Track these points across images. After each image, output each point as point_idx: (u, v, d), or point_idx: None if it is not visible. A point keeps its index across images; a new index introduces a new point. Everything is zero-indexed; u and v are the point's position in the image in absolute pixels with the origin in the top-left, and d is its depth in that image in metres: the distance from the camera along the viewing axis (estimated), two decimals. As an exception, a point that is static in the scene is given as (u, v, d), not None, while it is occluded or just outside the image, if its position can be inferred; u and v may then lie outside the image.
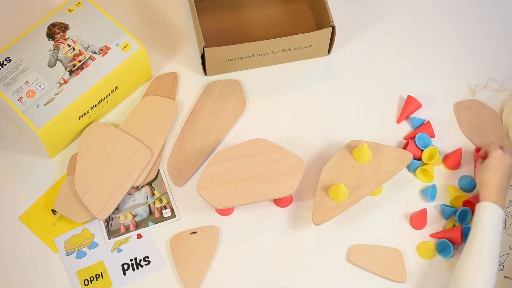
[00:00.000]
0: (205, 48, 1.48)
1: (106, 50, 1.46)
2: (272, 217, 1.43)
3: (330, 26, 1.50)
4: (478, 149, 1.45)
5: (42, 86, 1.42)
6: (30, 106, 1.40)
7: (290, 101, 1.55)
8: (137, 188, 1.45)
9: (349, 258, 1.39)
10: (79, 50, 1.45)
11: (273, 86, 1.57)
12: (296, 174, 1.37)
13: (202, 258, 1.37)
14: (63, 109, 1.40)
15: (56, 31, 1.47)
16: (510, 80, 1.59)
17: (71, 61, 1.44)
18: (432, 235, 1.41)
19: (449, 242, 1.38)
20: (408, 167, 1.48)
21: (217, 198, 1.37)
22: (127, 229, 1.41)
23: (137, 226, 1.42)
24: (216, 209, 1.41)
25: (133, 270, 1.38)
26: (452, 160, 1.48)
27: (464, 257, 1.27)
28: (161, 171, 1.47)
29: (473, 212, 1.42)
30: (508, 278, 1.38)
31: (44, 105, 1.40)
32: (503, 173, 1.35)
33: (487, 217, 1.30)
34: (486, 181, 1.35)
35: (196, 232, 1.40)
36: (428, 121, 1.51)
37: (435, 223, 1.43)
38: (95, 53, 1.45)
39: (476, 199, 1.42)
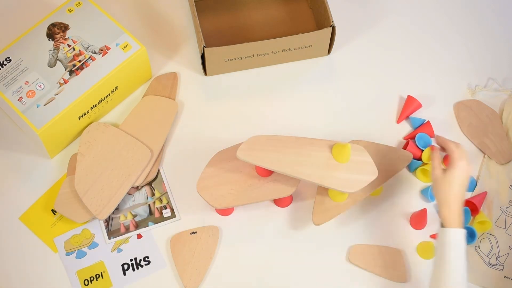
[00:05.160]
0: (205, 48, 1.48)
1: (106, 50, 1.46)
2: (272, 217, 1.43)
3: (330, 26, 1.50)
4: (433, 148, 1.33)
5: (42, 86, 1.42)
6: (30, 106, 1.40)
7: (290, 101, 1.55)
8: (137, 188, 1.45)
9: (349, 258, 1.39)
10: (79, 50, 1.45)
11: (273, 86, 1.57)
12: (296, 174, 1.37)
13: (202, 258, 1.37)
14: (63, 109, 1.40)
15: (56, 31, 1.47)
16: (510, 80, 1.59)
17: (71, 61, 1.44)
18: (432, 236, 1.41)
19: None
20: (408, 167, 1.48)
21: (217, 198, 1.37)
22: (127, 229, 1.41)
23: (137, 226, 1.42)
24: (216, 209, 1.41)
25: (133, 270, 1.38)
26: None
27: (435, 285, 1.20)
28: (161, 171, 1.47)
29: (472, 212, 1.43)
30: (508, 278, 1.38)
31: (44, 105, 1.40)
32: (464, 185, 1.24)
33: (455, 247, 1.20)
34: (448, 201, 1.22)
35: (196, 232, 1.40)
36: (428, 121, 1.51)
37: (435, 223, 1.43)
38: (95, 53, 1.45)
39: (476, 199, 1.43)
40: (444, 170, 1.25)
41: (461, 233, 1.21)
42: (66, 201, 1.40)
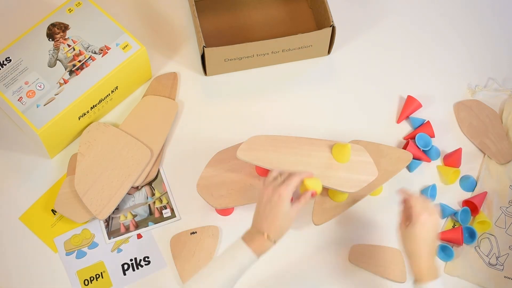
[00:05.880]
0: (205, 48, 1.48)
1: (106, 50, 1.46)
2: (272, 217, 1.43)
3: (330, 26, 1.50)
4: (404, 201, 1.26)
5: (42, 86, 1.42)
6: (30, 106, 1.40)
7: (290, 101, 1.55)
8: (137, 188, 1.45)
9: (349, 258, 1.39)
10: (79, 50, 1.45)
11: (273, 86, 1.57)
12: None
13: (202, 258, 1.37)
14: (63, 109, 1.40)
15: (56, 31, 1.47)
16: (510, 80, 1.59)
17: (71, 61, 1.44)
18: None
19: (450, 246, 1.39)
20: (408, 167, 1.48)
21: (217, 198, 1.37)
22: (127, 229, 1.41)
23: (137, 226, 1.42)
24: (216, 209, 1.41)
25: (133, 270, 1.38)
26: (452, 160, 1.48)
27: None
28: (161, 171, 1.47)
29: (472, 212, 1.43)
30: (508, 278, 1.38)
31: (44, 105, 1.40)
32: (431, 238, 1.20)
33: None
34: (415, 255, 1.19)
35: (196, 232, 1.40)
36: (428, 121, 1.51)
37: (435, 223, 1.43)
38: (95, 53, 1.45)
39: (476, 199, 1.43)
40: (407, 226, 1.21)
41: (436, 284, 1.18)
42: (66, 201, 1.40)
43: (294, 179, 1.19)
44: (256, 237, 1.17)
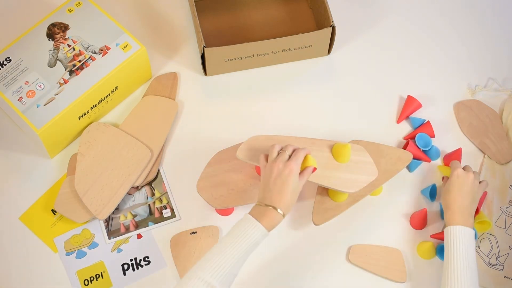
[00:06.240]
0: (205, 48, 1.48)
1: (106, 50, 1.46)
2: (272, 217, 1.43)
3: (330, 26, 1.50)
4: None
5: (42, 86, 1.42)
6: (30, 106, 1.40)
7: (290, 101, 1.55)
8: (137, 188, 1.45)
9: (349, 258, 1.39)
10: (79, 50, 1.45)
11: (273, 86, 1.57)
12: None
13: (202, 258, 1.38)
14: (63, 109, 1.40)
15: (56, 31, 1.47)
16: (510, 80, 1.59)
17: (71, 61, 1.44)
18: (432, 236, 1.41)
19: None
20: (408, 167, 1.48)
21: (217, 198, 1.37)
22: (127, 229, 1.41)
23: (137, 226, 1.42)
24: (216, 209, 1.41)
25: (133, 270, 1.38)
26: (452, 160, 1.48)
27: (444, 285, 1.23)
28: (161, 171, 1.47)
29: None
30: (508, 278, 1.38)
31: (44, 105, 1.40)
32: (465, 192, 1.32)
33: (456, 242, 1.26)
34: (448, 204, 1.32)
35: (196, 232, 1.40)
36: (428, 121, 1.51)
37: (435, 223, 1.43)
38: (95, 53, 1.45)
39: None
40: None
41: (466, 231, 1.27)
42: (66, 201, 1.40)
43: (300, 154, 1.25)
44: (266, 211, 1.19)
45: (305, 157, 1.27)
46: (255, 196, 1.36)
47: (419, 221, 1.41)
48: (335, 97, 1.56)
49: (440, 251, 1.39)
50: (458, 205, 1.30)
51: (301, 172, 1.25)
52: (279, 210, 1.19)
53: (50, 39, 1.46)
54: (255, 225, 1.18)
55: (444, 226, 1.33)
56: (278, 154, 1.25)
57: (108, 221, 1.42)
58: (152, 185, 1.46)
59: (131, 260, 1.39)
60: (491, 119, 1.54)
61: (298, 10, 1.65)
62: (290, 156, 1.25)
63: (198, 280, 1.12)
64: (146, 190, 1.45)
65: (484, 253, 1.40)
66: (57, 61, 1.44)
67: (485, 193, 1.45)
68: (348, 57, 1.61)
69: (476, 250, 1.40)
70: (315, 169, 1.28)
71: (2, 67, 1.43)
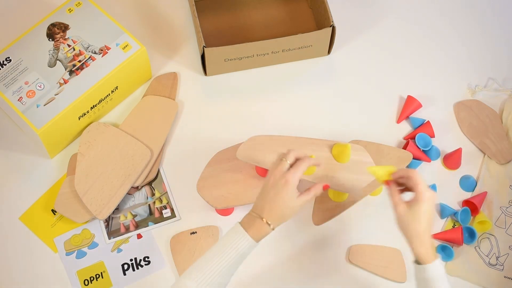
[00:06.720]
0: (205, 48, 1.48)
1: (106, 50, 1.46)
2: (272, 217, 1.43)
3: (330, 26, 1.50)
4: (389, 182, 1.20)
5: (42, 86, 1.42)
6: (30, 106, 1.40)
7: (290, 101, 1.55)
8: (137, 188, 1.45)
9: (349, 258, 1.39)
10: (79, 50, 1.45)
11: (273, 86, 1.57)
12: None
13: (202, 258, 1.37)
14: (63, 109, 1.40)
15: (56, 31, 1.47)
16: (510, 80, 1.59)
17: (71, 61, 1.44)
18: (432, 236, 1.41)
19: (450, 246, 1.39)
20: (408, 167, 1.48)
21: (217, 198, 1.37)
22: (127, 229, 1.41)
23: (137, 226, 1.42)
24: (216, 209, 1.41)
25: (133, 270, 1.38)
26: (452, 160, 1.48)
27: None
28: (161, 171, 1.47)
29: (472, 212, 1.43)
30: (508, 278, 1.38)
31: (44, 105, 1.40)
32: (433, 217, 1.17)
33: (440, 279, 1.13)
34: (420, 236, 1.13)
35: (196, 232, 1.40)
36: (428, 121, 1.51)
37: (435, 223, 1.43)
38: (95, 53, 1.45)
39: (476, 199, 1.43)
40: (409, 205, 1.15)
41: (440, 263, 1.15)
42: (66, 201, 1.40)
43: (302, 165, 1.16)
44: (255, 221, 1.14)
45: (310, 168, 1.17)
46: (254, 196, 1.36)
47: (419, 221, 1.41)
48: (335, 97, 1.56)
49: (440, 251, 1.39)
50: (429, 235, 1.14)
51: (308, 189, 1.17)
52: (267, 221, 1.14)
53: (50, 39, 1.46)
54: (243, 235, 1.13)
55: (415, 261, 1.16)
56: (281, 161, 1.17)
57: (108, 221, 1.42)
58: (152, 185, 1.46)
59: (131, 260, 1.39)
60: (491, 119, 1.54)
61: (298, 10, 1.65)
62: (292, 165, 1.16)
63: None
64: (146, 190, 1.45)
65: (484, 253, 1.40)
66: (57, 61, 1.44)
67: (485, 193, 1.45)
68: (348, 57, 1.61)
69: (476, 250, 1.40)
70: (327, 186, 1.19)
71: (2, 67, 1.43)
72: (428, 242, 1.14)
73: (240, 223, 1.16)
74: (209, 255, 1.13)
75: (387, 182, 1.20)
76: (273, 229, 1.15)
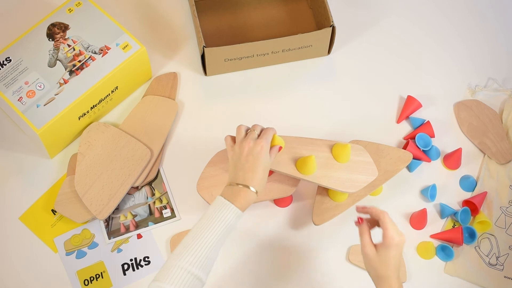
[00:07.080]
0: (205, 48, 1.48)
1: (106, 50, 1.46)
2: (272, 217, 1.43)
3: (330, 26, 1.50)
4: (360, 221, 1.21)
5: (42, 86, 1.42)
6: (30, 106, 1.40)
7: (290, 101, 1.55)
8: (137, 188, 1.45)
9: (349, 258, 1.38)
10: (79, 50, 1.45)
11: (273, 86, 1.57)
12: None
13: (202, 258, 1.37)
14: (63, 109, 1.40)
15: (56, 31, 1.47)
16: (510, 80, 1.59)
17: (71, 61, 1.44)
18: (432, 236, 1.41)
19: (450, 246, 1.39)
20: (408, 167, 1.48)
21: (217, 198, 1.36)
22: (127, 229, 1.41)
23: (137, 226, 1.42)
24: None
25: (133, 270, 1.38)
26: (452, 160, 1.48)
27: None
28: (161, 171, 1.47)
29: (472, 212, 1.43)
30: (508, 278, 1.38)
31: (44, 105, 1.40)
32: (400, 260, 1.15)
33: None
34: (387, 278, 1.13)
35: (196, 232, 1.40)
36: (428, 121, 1.51)
37: (435, 223, 1.43)
38: (95, 53, 1.45)
39: (476, 199, 1.43)
40: (377, 248, 1.15)
41: None
42: (66, 201, 1.40)
43: (270, 132, 1.24)
44: (240, 191, 1.17)
45: (274, 135, 1.26)
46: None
47: (419, 221, 1.42)
48: (335, 97, 1.56)
49: (440, 251, 1.39)
50: (397, 279, 1.14)
51: (270, 148, 1.24)
52: (252, 188, 1.17)
53: (50, 39, 1.46)
54: (229, 207, 1.15)
55: None
56: (247, 133, 1.24)
57: (108, 221, 1.42)
58: (152, 185, 1.46)
59: (131, 260, 1.39)
60: (491, 119, 1.54)
61: (298, 10, 1.65)
62: (259, 135, 1.24)
63: (178, 269, 1.08)
64: (146, 190, 1.45)
65: (484, 253, 1.40)
66: (57, 61, 1.44)
67: (485, 193, 1.45)
68: (348, 57, 1.61)
69: (476, 250, 1.40)
70: (281, 148, 1.27)
71: (2, 67, 1.43)
72: (396, 284, 1.13)
73: (222, 196, 1.17)
74: (197, 232, 1.13)
75: (358, 221, 1.20)
76: (257, 194, 1.19)
